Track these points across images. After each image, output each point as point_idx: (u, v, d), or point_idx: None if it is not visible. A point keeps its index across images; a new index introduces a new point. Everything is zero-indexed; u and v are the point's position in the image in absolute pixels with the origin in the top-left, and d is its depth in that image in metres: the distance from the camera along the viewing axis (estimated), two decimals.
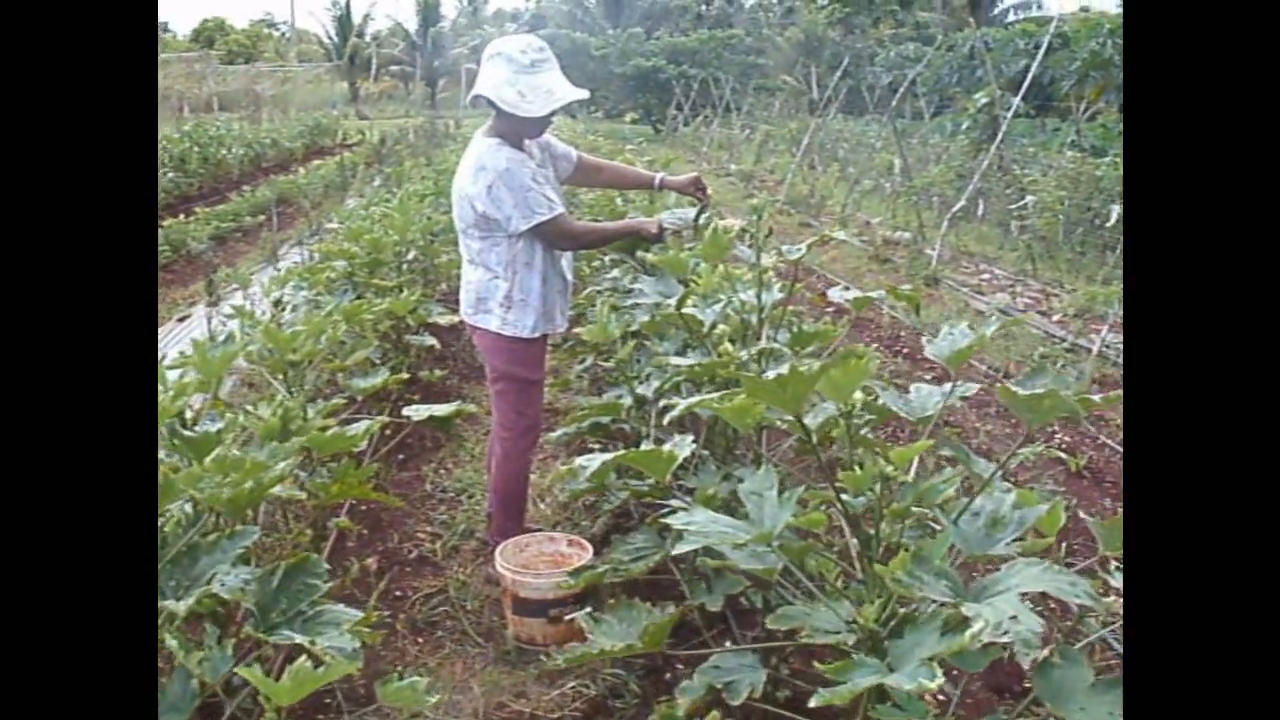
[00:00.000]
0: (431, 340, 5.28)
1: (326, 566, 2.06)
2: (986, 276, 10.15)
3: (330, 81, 37.20)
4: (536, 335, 3.53)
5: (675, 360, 2.41)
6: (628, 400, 2.77)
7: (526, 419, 3.63)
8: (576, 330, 4.06)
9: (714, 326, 2.77)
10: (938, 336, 2.04)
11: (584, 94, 3.37)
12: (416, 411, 3.61)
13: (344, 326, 3.60)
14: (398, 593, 3.61)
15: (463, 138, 17.35)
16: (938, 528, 1.95)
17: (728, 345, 2.93)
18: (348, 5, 41.70)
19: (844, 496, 1.71)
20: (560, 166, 3.74)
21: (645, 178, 3.96)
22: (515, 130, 3.39)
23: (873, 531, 1.75)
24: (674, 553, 1.64)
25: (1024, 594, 1.45)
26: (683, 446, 1.91)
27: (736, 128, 24.07)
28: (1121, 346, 7.23)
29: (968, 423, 5.71)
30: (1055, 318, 8.48)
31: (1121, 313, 7.32)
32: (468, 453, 4.94)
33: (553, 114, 3.34)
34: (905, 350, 7.39)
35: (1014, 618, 1.36)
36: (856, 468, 1.70)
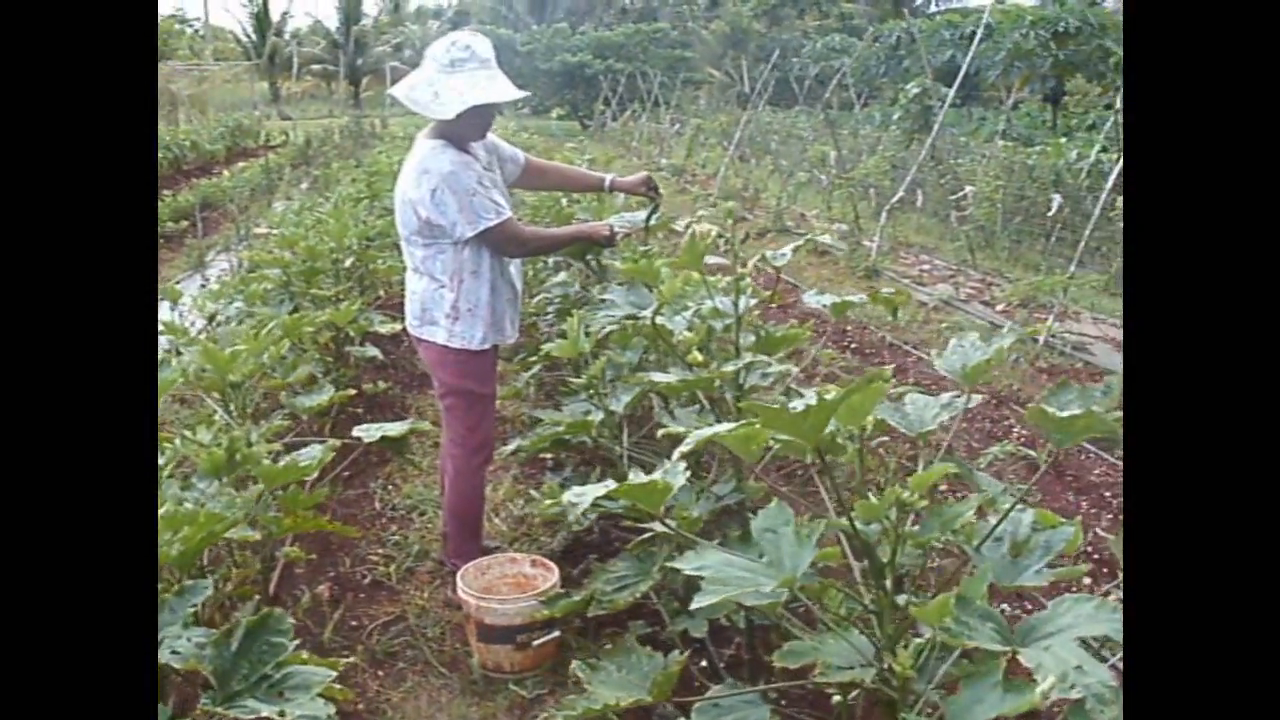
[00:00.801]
0: (374, 351, 5.07)
1: (291, 623, 1.86)
2: (926, 267, 10.16)
3: (249, 81, 36.24)
4: (486, 347, 3.36)
5: (656, 376, 2.26)
6: (597, 416, 2.62)
7: (478, 435, 3.47)
8: (530, 339, 3.91)
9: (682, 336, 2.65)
10: (946, 349, 1.92)
11: (498, 96, 3.16)
12: (368, 432, 3.40)
13: (286, 344, 3.38)
14: (353, 622, 3.41)
15: (390, 137, 17.01)
16: (939, 549, 1.83)
17: (696, 354, 2.80)
18: (265, 2, 40.66)
19: (857, 524, 1.58)
20: (508, 169, 3.58)
21: (594, 179, 3.81)
22: (458, 132, 3.23)
23: (886, 559, 1.63)
24: (693, 608, 1.49)
25: (1081, 638, 1.33)
26: (676, 474, 1.76)
27: (666, 122, 23.97)
28: (1066, 336, 7.27)
29: None
30: (999, 307, 8.50)
31: (1065, 302, 7.36)
32: (416, 467, 4.73)
33: (486, 114, 3.20)
34: (853, 345, 7.33)
35: (1079, 668, 1.25)
36: (870, 494, 1.57)
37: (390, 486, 4.57)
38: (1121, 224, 7.90)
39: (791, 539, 1.60)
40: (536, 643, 3.10)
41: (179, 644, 1.64)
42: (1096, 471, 4.86)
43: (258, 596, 2.65)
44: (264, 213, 11.36)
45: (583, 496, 1.66)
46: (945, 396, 2.28)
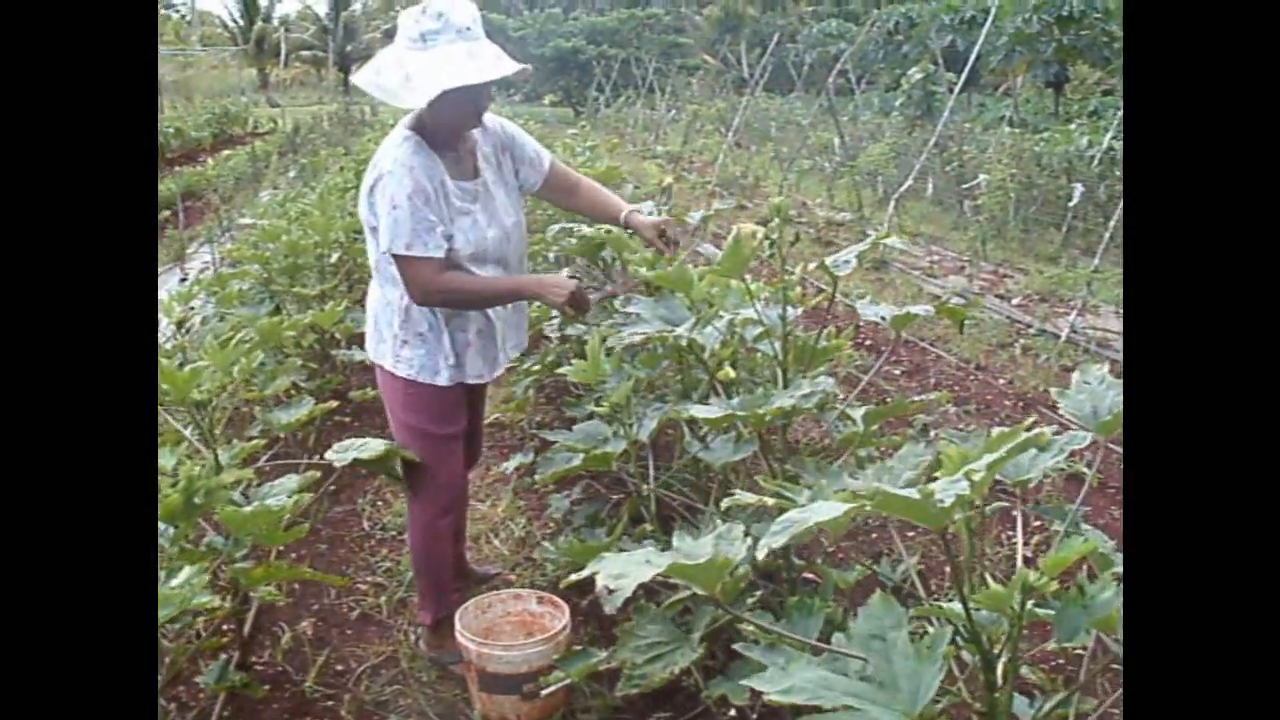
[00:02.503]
0: (362, 354, 4.69)
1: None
2: (936, 258, 9.82)
3: (237, 67, 35.70)
4: (441, 384, 2.80)
5: (698, 410, 1.90)
6: (618, 446, 2.27)
7: (437, 482, 2.92)
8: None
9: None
10: (1070, 388, 1.58)
11: (479, 75, 2.51)
12: (341, 454, 2.86)
13: (259, 356, 3.01)
14: (339, 666, 3.06)
15: (380, 125, 16.57)
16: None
17: (729, 370, 2.45)
18: None
19: (974, 613, 1.24)
20: (524, 175, 2.97)
21: (613, 209, 3.06)
22: (440, 122, 2.64)
23: (1003, 655, 1.29)
24: None
25: None
26: (734, 544, 1.42)
27: (661, 108, 23.57)
28: (1089, 332, 6.94)
29: (948, 421, 5.31)
30: (1015, 301, 8.17)
31: (1087, 296, 7.02)
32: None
33: (472, 98, 2.58)
34: (868, 342, 6.99)
35: None
36: (988, 578, 1.23)
37: (380, 503, 4.22)
38: None
39: (907, 652, 1.24)
40: (545, 691, 2.76)
41: None
42: None
43: (225, 656, 2.29)
44: (249, 203, 10.97)
45: (623, 580, 1.30)
46: (922, 436, 1.94)
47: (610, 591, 1.36)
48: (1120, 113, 11.55)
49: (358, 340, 4.92)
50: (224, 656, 2.58)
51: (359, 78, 2.64)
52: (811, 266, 2.01)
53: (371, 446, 2.82)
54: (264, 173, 12.69)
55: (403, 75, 2.52)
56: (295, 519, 2.73)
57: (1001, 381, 6.03)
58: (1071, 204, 8.82)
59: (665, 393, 2.66)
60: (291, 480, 2.53)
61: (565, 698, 2.79)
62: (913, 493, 1.11)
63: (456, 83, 2.48)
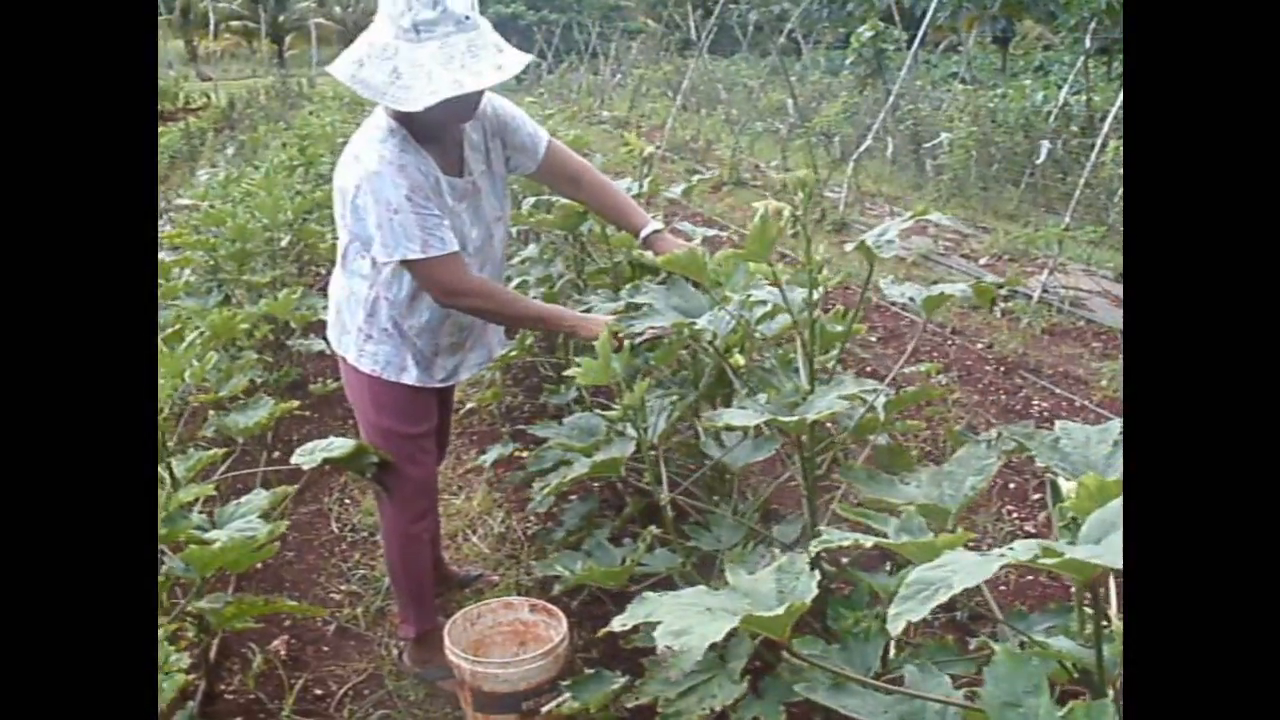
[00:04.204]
0: (320, 344, 4.42)
1: None
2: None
3: (163, 39, 34.50)
4: (409, 383, 2.58)
5: (732, 417, 1.68)
6: (626, 447, 2.05)
7: (410, 485, 2.69)
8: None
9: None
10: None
11: (484, 80, 2.18)
12: (307, 455, 2.56)
13: (214, 358, 2.74)
14: (317, 690, 2.83)
15: (319, 97, 16.08)
16: None
17: (738, 357, 2.25)
18: None
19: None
20: (516, 161, 2.64)
21: (633, 221, 2.66)
22: (429, 119, 2.27)
23: None
24: None
25: None
26: (798, 576, 1.22)
27: (605, 73, 23.19)
28: (1060, 291, 6.84)
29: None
30: (981, 261, 8.06)
31: (1056, 255, 6.91)
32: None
33: (465, 99, 2.22)
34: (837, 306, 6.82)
35: None
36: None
37: (347, 501, 3.98)
38: (1119, 171, 7.48)
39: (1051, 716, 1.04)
40: (545, 709, 2.56)
41: None
42: None
43: (191, 694, 2.06)
44: (186, 182, 10.52)
45: (688, 639, 1.08)
46: (982, 437, 1.76)
47: (675, 653, 1.16)
48: (1075, 68, 11.46)
49: (314, 328, 4.65)
50: (189, 704, 2.33)
51: (337, 69, 2.25)
52: (773, 205, 1.75)
53: (340, 445, 2.57)
54: (200, 151, 12.19)
55: (391, 71, 2.17)
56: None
57: (979, 346, 5.90)
58: (1039, 161, 8.71)
59: (666, 382, 2.44)
60: (260, 497, 2.28)
61: (566, 715, 2.59)
62: (1097, 551, 0.91)
63: (456, 92, 2.15)
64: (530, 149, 2.62)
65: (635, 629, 2.45)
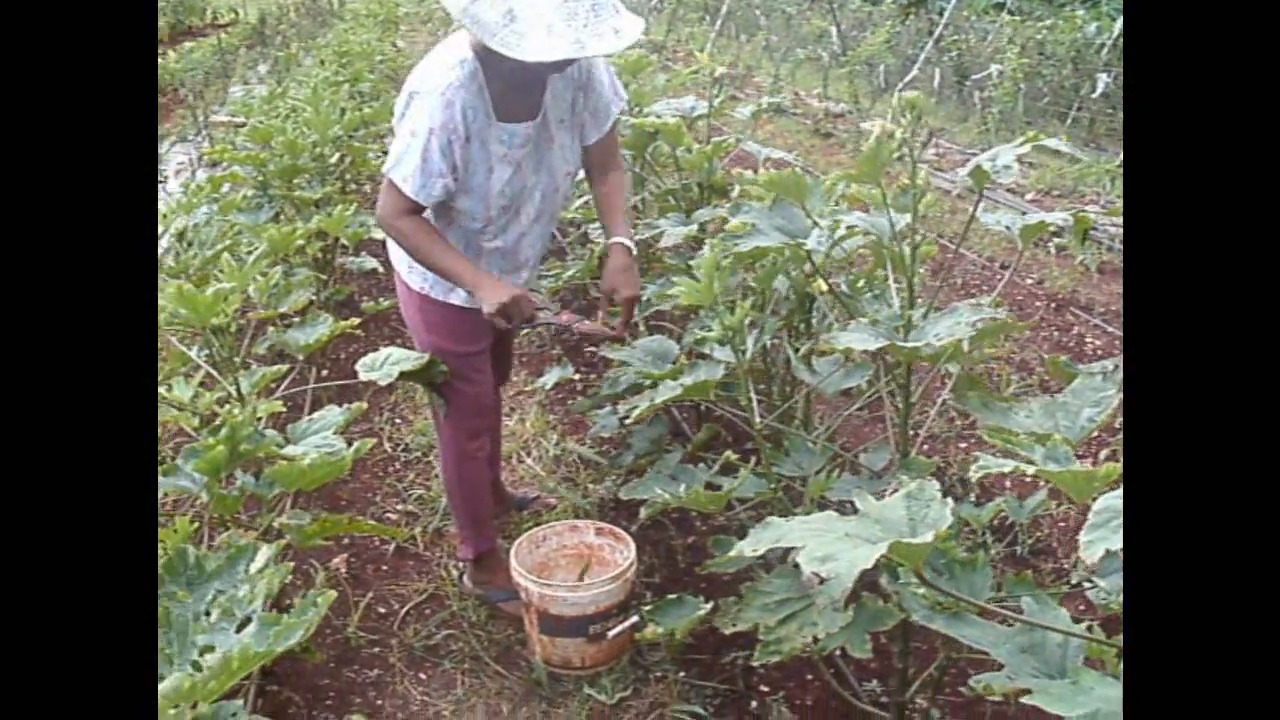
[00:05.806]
0: (373, 262, 4.38)
1: None
2: (941, 151, 9.49)
3: None
4: (456, 303, 2.52)
5: (850, 340, 1.62)
6: (715, 373, 1.99)
7: (464, 403, 2.64)
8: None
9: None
10: None
11: (606, 47, 2.03)
12: (379, 369, 2.54)
13: (276, 272, 2.70)
14: (380, 608, 2.84)
15: (351, 15, 15.82)
16: None
17: (821, 281, 2.19)
18: None
19: None
20: (585, 125, 2.50)
21: (609, 227, 2.58)
22: (502, 62, 2.10)
23: None
24: None
25: None
26: (930, 503, 1.17)
27: None
28: (1112, 230, 6.69)
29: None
30: (1028, 196, 7.90)
31: (1115, 192, 6.75)
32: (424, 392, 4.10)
33: (553, 66, 2.12)
34: None
35: None
36: None
37: (398, 420, 3.97)
38: None
39: None
40: (612, 633, 2.56)
41: None
42: None
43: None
44: (220, 98, 10.41)
45: (835, 565, 1.04)
46: (1096, 367, 1.69)
47: (821, 580, 1.12)
48: None
49: (366, 246, 4.61)
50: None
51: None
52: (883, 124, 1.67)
53: (400, 356, 2.54)
54: (232, 67, 12.02)
55: (506, 12, 2.00)
56: None
57: (1029, 281, 5.79)
58: (1094, 96, 8.48)
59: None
60: (334, 413, 2.26)
61: (631, 639, 2.59)
62: None
63: (576, 55, 2.02)
64: (601, 119, 2.51)
65: (705, 554, 2.43)
